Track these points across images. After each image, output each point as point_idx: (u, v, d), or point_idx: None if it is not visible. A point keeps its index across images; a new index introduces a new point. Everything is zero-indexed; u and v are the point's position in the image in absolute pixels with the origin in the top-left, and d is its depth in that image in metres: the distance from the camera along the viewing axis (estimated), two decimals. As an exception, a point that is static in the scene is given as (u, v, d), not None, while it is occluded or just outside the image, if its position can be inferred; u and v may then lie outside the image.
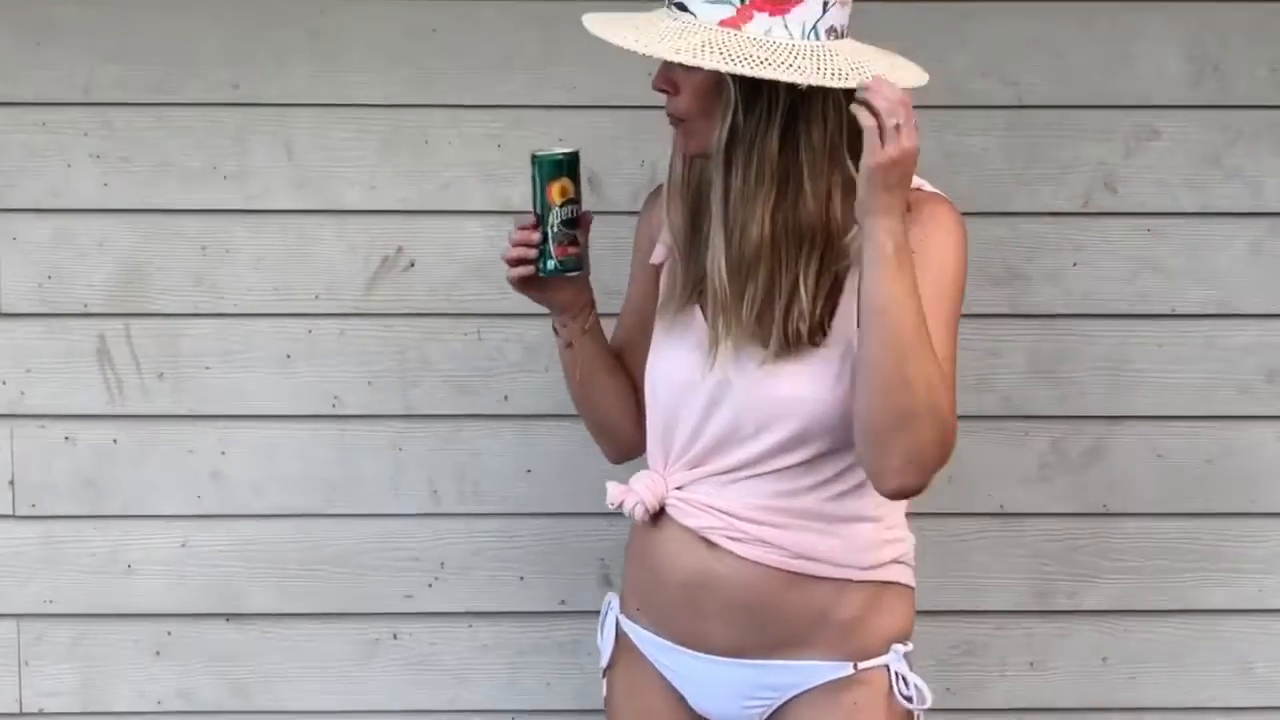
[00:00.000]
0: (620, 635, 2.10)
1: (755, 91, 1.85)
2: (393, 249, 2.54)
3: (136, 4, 2.49)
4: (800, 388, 1.93)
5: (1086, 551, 2.60)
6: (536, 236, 2.00)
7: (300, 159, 2.52)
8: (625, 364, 2.15)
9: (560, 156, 2.00)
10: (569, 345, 2.10)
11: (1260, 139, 2.55)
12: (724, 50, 1.81)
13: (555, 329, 2.11)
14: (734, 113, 1.85)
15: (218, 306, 2.54)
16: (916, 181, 1.93)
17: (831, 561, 1.97)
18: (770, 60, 1.81)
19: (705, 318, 1.98)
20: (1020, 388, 2.57)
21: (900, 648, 2.01)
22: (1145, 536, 2.60)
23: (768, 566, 1.96)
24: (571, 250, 2.02)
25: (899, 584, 2.03)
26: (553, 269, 2.02)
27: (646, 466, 2.06)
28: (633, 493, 2.00)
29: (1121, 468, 2.59)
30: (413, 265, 2.54)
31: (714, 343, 1.95)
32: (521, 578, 2.58)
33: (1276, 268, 2.57)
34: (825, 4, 1.87)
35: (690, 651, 2.01)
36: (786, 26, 1.84)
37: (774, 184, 1.87)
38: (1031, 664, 2.62)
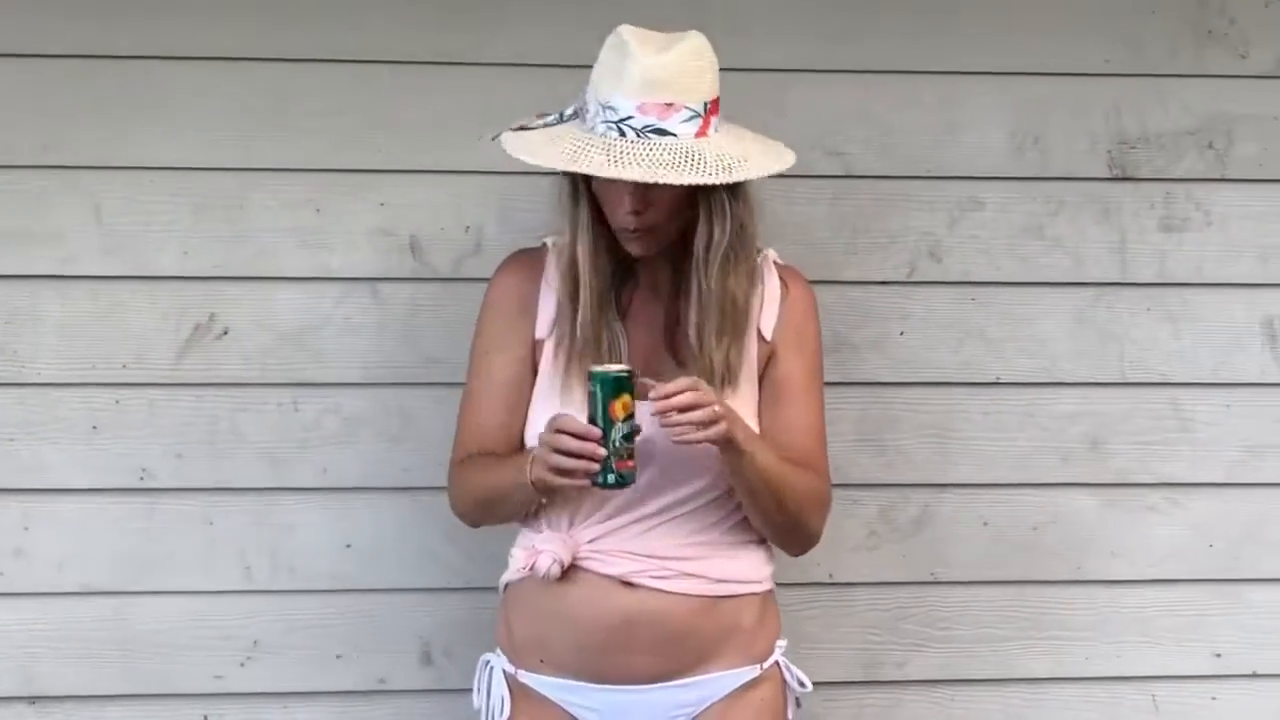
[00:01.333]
0: (517, 689, 2.17)
1: (736, 183, 2.07)
2: (205, 316, 2.47)
3: (-66, 61, 2.42)
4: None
5: (915, 620, 2.61)
6: (603, 452, 2.01)
7: (110, 223, 2.45)
8: (516, 443, 2.17)
9: (622, 374, 2.03)
10: (537, 499, 2.12)
11: (1081, 210, 2.59)
12: (735, 161, 2.04)
13: (531, 483, 2.08)
14: (731, 205, 2.08)
15: (21, 375, 2.46)
16: (771, 255, 2.21)
17: (741, 580, 2.18)
18: (760, 153, 2.09)
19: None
20: (848, 455, 2.56)
21: (781, 644, 2.23)
22: (972, 605, 2.62)
23: (692, 595, 2.13)
24: (630, 464, 2.03)
25: (772, 592, 2.24)
26: (613, 483, 2.03)
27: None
28: (545, 553, 2.11)
29: (948, 536, 2.60)
30: (226, 333, 2.48)
31: None
32: (338, 656, 2.51)
33: (1098, 337, 2.60)
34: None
35: (613, 687, 2.14)
36: (722, 123, 2.10)
37: (745, 248, 2.12)
38: (861, 736, 2.61)
